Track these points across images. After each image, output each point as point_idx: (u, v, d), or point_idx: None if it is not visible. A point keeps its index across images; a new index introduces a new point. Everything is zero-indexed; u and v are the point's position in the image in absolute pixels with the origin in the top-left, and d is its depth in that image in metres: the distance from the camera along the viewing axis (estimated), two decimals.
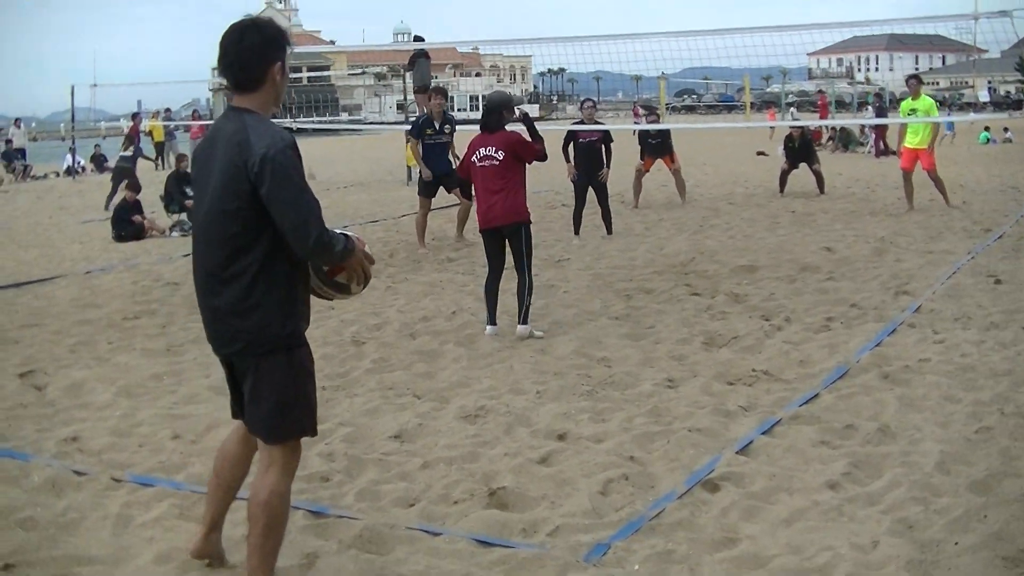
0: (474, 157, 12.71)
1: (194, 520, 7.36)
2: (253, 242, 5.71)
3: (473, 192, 13.46)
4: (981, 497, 7.28)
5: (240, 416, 6.16)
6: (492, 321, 12.76)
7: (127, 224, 23.22)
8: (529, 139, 12.76)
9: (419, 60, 33.29)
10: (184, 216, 24.77)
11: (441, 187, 20.00)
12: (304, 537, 7.04)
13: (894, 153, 29.94)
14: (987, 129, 52.03)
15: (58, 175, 48.13)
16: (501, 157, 12.48)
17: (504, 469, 8.17)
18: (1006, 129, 52.22)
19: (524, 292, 12.44)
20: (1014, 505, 7.06)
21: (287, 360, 5.89)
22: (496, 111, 12.72)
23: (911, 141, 23.38)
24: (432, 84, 28.13)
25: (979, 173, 32.43)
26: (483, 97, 17.19)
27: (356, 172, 42.15)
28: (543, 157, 12.72)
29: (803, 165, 27.66)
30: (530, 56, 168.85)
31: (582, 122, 21.96)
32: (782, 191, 27.46)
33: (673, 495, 7.57)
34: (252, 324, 5.81)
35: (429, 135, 19.75)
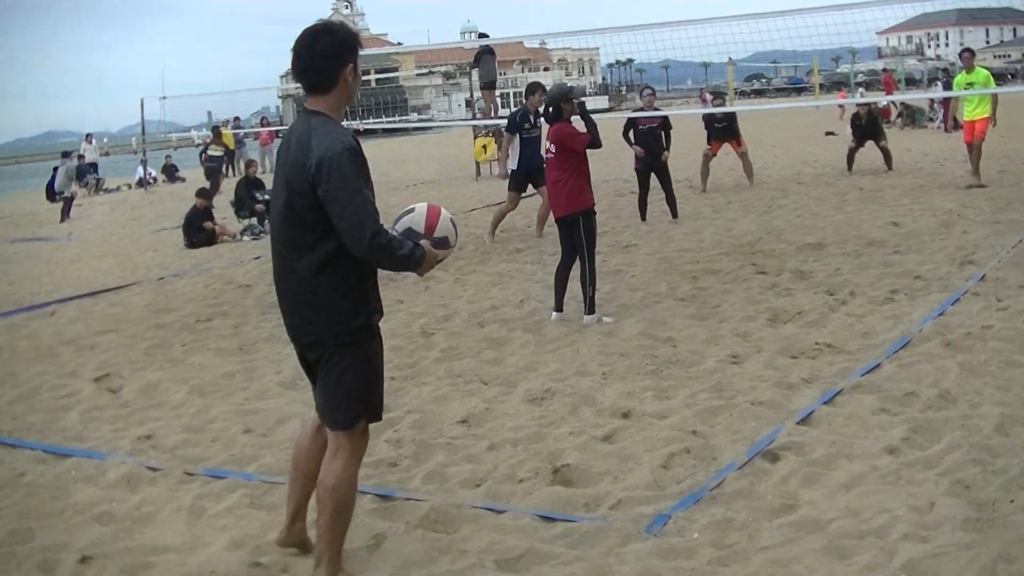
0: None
1: (265, 509, 7.59)
2: (319, 240, 5.90)
3: None
4: None
5: None
6: (558, 307, 12.88)
7: (198, 231, 23.48)
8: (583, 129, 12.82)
9: (484, 56, 33.42)
10: (255, 221, 25.03)
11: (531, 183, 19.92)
12: (372, 520, 7.20)
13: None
14: None
15: (130, 187, 48.45)
16: (555, 150, 12.66)
17: (569, 447, 8.30)
18: None
19: (586, 282, 12.54)
20: None
21: (354, 352, 6.08)
22: (554, 105, 12.84)
23: (969, 114, 23.16)
24: (498, 79, 28.20)
25: None
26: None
27: (426, 170, 42.36)
28: (595, 144, 12.68)
29: (870, 143, 27.57)
30: (597, 48, 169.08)
31: (642, 109, 22.13)
32: (850, 169, 27.36)
33: (734, 466, 7.67)
34: (321, 319, 6.03)
35: (526, 129, 19.68)
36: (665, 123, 21.47)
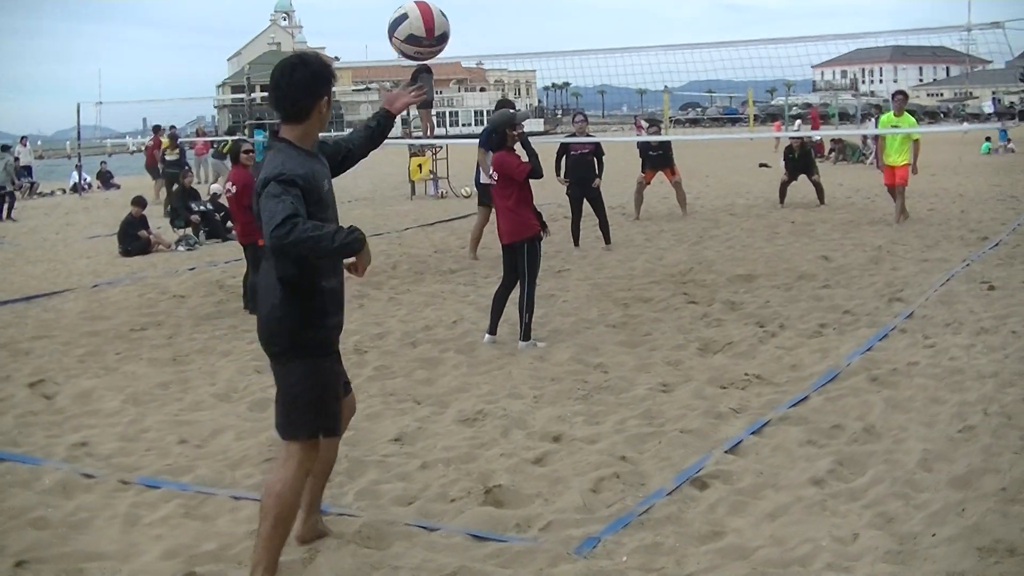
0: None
1: (200, 519, 7.66)
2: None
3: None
4: (960, 492, 7.50)
5: None
6: (492, 331, 12.99)
7: (133, 239, 23.39)
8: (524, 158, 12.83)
9: (421, 75, 33.43)
10: (189, 231, 25.01)
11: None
12: None
13: None
14: (988, 139, 52.31)
15: (64, 192, 48.14)
16: (496, 177, 12.78)
17: (500, 469, 8.41)
18: (1009, 139, 52.49)
19: (523, 308, 12.63)
20: (991, 499, 7.28)
21: (304, 366, 6.32)
22: (498, 131, 12.84)
23: (890, 158, 23.26)
24: (434, 98, 28.18)
25: (979, 183, 32.63)
26: (488, 112, 17.77)
27: (360, 187, 42.36)
28: (537, 174, 12.66)
29: (803, 176, 27.87)
30: (534, 71, 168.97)
31: (575, 135, 22.29)
32: (782, 202, 27.69)
33: (662, 492, 7.80)
34: (279, 330, 6.33)
35: None
36: (597, 149, 21.57)
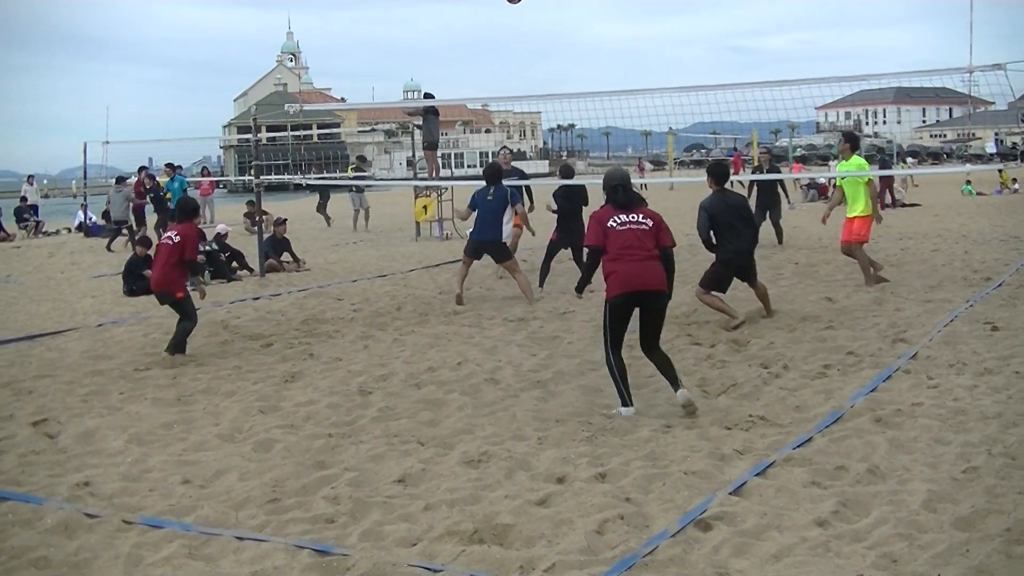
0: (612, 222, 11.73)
1: (203, 559, 7.64)
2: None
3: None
4: (965, 533, 7.50)
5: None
6: (628, 402, 11.62)
7: (138, 279, 23.34)
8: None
9: (428, 117, 33.50)
10: None
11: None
12: (309, 574, 7.27)
13: (901, 204, 29.84)
14: (968, 182, 52.52)
15: (70, 231, 48.22)
16: (650, 224, 11.75)
17: (504, 510, 8.38)
18: (1015, 180, 52.67)
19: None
20: (996, 540, 7.27)
21: None
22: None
23: (850, 210, 20.32)
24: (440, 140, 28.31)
25: (983, 223, 32.68)
26: (492, 154, 18.07)
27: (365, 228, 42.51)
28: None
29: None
30: (539, 112, 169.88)
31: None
32: (780, 242, 27.74)
33: (667, 533, 7.77)
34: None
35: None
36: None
